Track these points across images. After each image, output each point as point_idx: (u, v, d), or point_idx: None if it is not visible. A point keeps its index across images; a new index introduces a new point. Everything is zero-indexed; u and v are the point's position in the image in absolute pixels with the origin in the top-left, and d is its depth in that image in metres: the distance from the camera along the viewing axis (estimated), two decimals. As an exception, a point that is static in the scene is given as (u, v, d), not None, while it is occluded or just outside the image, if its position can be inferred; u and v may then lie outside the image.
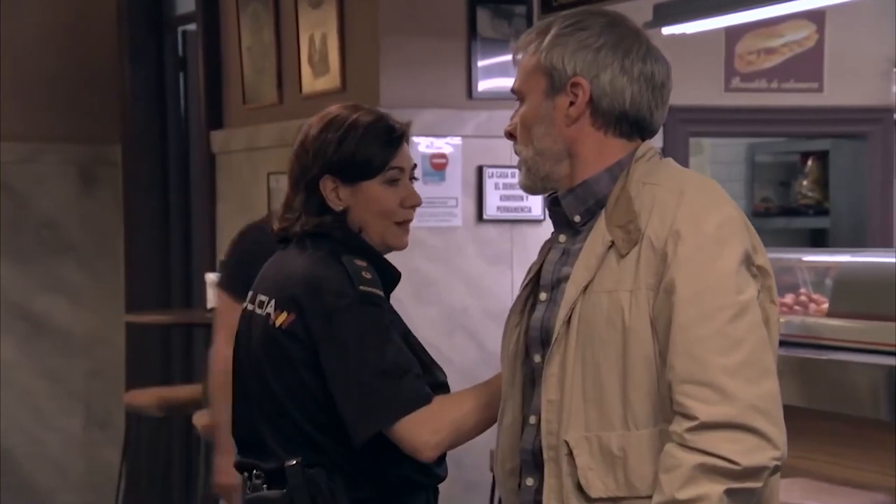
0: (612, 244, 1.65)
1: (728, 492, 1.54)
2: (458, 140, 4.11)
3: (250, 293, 2.01)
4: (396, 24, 4.05)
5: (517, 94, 1.75)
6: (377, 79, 4.04)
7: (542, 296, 1.73)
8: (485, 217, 4.12)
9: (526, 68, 1.72)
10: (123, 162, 5.54)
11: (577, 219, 1.72)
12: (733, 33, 4.50)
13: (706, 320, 1.57)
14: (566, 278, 1.69)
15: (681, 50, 4.67)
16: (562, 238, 1.74)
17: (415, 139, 4.07)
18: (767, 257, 1.69)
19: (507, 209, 4.14)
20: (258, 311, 1.96)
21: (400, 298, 4.09)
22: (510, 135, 1.76)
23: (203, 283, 4.61)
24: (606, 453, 1.62)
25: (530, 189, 1.77)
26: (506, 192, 4.13)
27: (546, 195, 1.78)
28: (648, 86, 1.71)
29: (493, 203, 4.11)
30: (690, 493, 1.54)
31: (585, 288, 1.65)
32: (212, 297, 4.36)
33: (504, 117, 4.37)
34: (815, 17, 4.57)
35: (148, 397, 4.60)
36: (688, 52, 4.57)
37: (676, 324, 1.58)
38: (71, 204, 5.56)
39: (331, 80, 4.24)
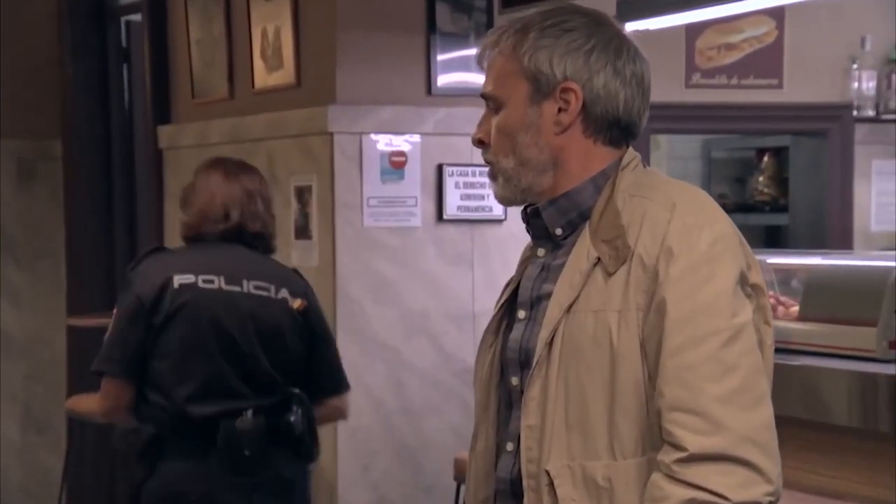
0: (599, 260, 1.56)
1: None
2: (416, 138, 4.01)
3: (221, 276, 2.83)
4: (353, 18, 3.94)
5: (491, 99, 1.64)
6: (333, 74, 3.93)
7: (521, 314, 1.63)
8: (445, 217, 4.02)
9: (503, 72, 1.62)
10: (64, 157, 5.37)
11: (558, 232, 1.63)
12: (693, 28, 4.45)
13: (698, 344, 1.49)
14: (547, 296, 1.60)
15: (641, 45, 4.63)
16: (540, 252, 1.64)
17: (373, 137, 3.98)
18: (762, 274, 1.61)
19: (467, 209, 4.05)
20: (262, 293, 2.85)
21: (358, 300, 4.05)
22: (480, 142, 1.65)
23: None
24: (591, 484, 1.53)
25: (508, 201, 1.65)
26: (466, 192, 4.03)
27: (524, 206, 1.69)
28: (639, 88, 1.63)
29: (454, 202, 4.02)
30: None
31: (569, 307, 1.55)
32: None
33: (464, 114, 4.35)
34: (775, 12, 4.54)
35: (92, 402, 4.43)
36: (648, 48, 4.51)
37: (667, 348, 1.50)
38: (9, 201, 5.37)
39: (285, 75, 4.12)
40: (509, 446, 1.62)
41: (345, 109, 3.92)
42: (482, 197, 4.05)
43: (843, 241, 4.55)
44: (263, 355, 2.79)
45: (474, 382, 1.70)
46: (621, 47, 1.61)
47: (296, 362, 2.86)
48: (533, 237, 1.66)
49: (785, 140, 4.93)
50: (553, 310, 1.56)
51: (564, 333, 1.55)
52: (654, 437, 1.52)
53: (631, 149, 1.65)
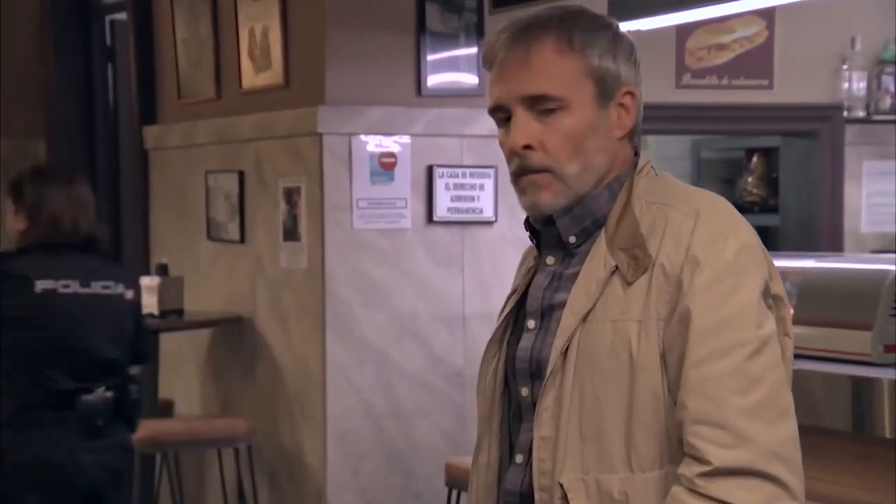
0: (616, 269, 1.51)
1: None
2: (406, 139, 3.97)
3: (76, 280, 3.22)
4: (342, 18, 3.90)
5: (551, 99, 1.53)
6: (322, 74, 3.89)
7: (530, 323, 1.58)
8: (435, 218, 3.99)
9: (564, 70, 1.53)
10: (48, 157, 5.31)
11: (571, 240, 1.57)
12: (684, 28, 4.43)
13: (723, 356, 1.45)
14: (560, 305, 1.55)
15: (631, 45, 4.61)
16: (550, 260, 1.59)
17: (362, 138, 3.95)
18: (782, 285, 1.58)
19: (457, 210, 4.01)
20: (108, 291, 3.26)
21: (347, 302, 4.01)
22: (527, 147, 1.54)
23: (134, 287, 4.43)
24: (606, 497, 1.48)
25: (558, 209, 1.56)
26: (456, 193, 4.00)
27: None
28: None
29: (444, 204, 3.99)
30: None
31: (585, 316, 1.51)
32: (148, 303, 4.19)
33: (455, 115, 4.30)
34: (765, 13, 4.52)
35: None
36: (639, 49, 4.49)
37: (691, 359, 1.46)
38: (-8, 201, 5.30)
39: (273, 76, 4.08)
40: (519, 458, 1.57)
41: (334, 110, 3.89)
42: (472, 198, 4.02)
43: (833, 242, 4.53)
44: (112, 343, 3.26)
45: (477, 393, 1.66)
46: (639, 61, 1.61)
47: (131, 344, 3.36)
48: (542, 245, 1.61)
49: (774, 140, 4.91)
50: (568, 318, 1.52)
51: (580, 343, 1.51)
52: (673, 450, 1.48)
53: (644, 154, 1.62)
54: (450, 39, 3.98)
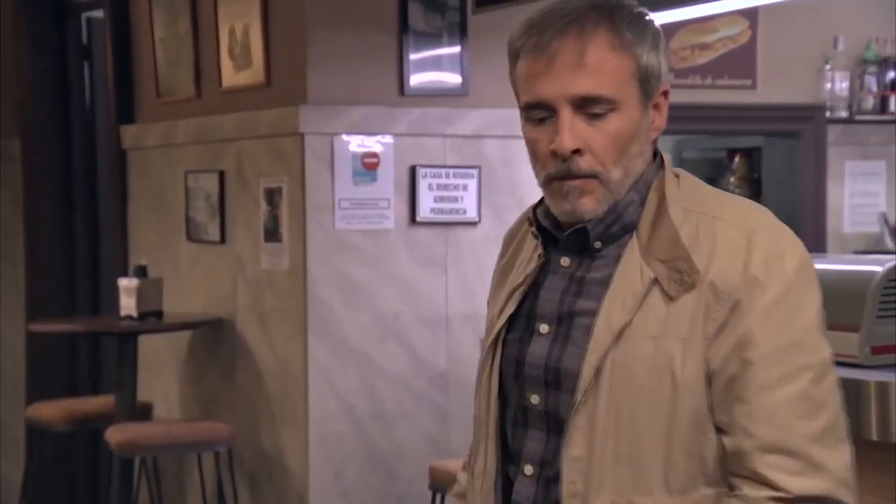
0: (655, 281, 1.44)
1: None
2: (389, 138, 3.93)
3: None
4: (324, 16, 3.86)
5: (605, 101, 1.43)
6: (304, 73, 3.85)
7: (543, 328, 1.50)
8: (418, 219, 3.95)
9: (616, 69, 1.43)
10: (23, 157, 5.23)
11: (597, 245, 1.50)
12: (668, 28, 4.40)
13: (790, 382, 1.40)
14: (582, 313, 1.47)
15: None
16: (565, 261, 1.51)
17: (344, 137, 3.90)
18: None
19: (441, 211, 3.98)
20: None
21: (329, 303, 3.97)
22: (576, 151, 1.44)
23: (112, 289, 4.38)
24: None
25: (592, 216, 1.47)
26: (439, 193, 3.96)
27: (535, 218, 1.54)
28: None
29: (427, 204, 3.95)
30: None
31: (621, 331, 1.43)
32: (126, 305, 4.14)
33: (438, 115, 4.27)
34: (748, 13, 4.51)
35: (54, 410, 4.35)
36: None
37: (755, 384, 1.40)
38: (-34, 202, 5.24)
39: (254, 75, 4.03)
40: (528, 470, 1.51)
41: (316, 109, 3.84)
42: (456, 199, 3.99)
43: (816, 243, 4.52)
44: None
45: (476, 396, 1.59)
46: None
47: None
48: (546, 244, 1.53)
49: (756, 141, 4.90)
50: (603, 333, 1.44)
51: (614, 359, 1.43)
52: (708, 472, 1.43)
53: (662, 151, 1.55)
54: (433, 38, 3.94)
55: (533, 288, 1.54)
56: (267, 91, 4.00)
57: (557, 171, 1.47)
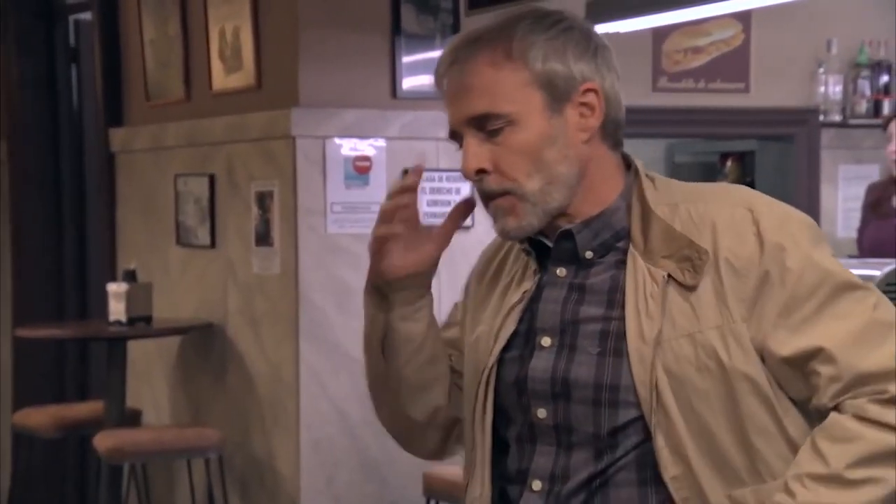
0: (670, 277, 1.42)
1: None
2: (381, 142, 3.90)
3: None
4: (316, 18, 3.83)
5: (496, 118, 1.44)
6: (295, 76, 3.82)
7: (545, 341, 1.47)
8: (411, 223, 3.91)
9: (506, 84, 1.44)
10: (10, 159, 5.19)
11: (588, 255, 1.48)
12: (660, 31, 4.40)
13: (850, 318, 1.39)
14: (588, 320, 1.45)
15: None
16: (561, 272, 1.49)
17: (337, 141, 3.87)
18: None
19: (434, 215, 3.94)
20: None
21: (322, 308, 3.93)
22: (481, 171, 1.45)
23: (101, 294, 4.34)
24: None
25: (527, 231, 1.46)
26: (433, 197, 3.94)
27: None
28: (621, 90, 1.52)
29: (420, 208, 3.91)
30: (863, 474, 1.35)
31: (657, 339, 1.41)
32: (116, 309, 4.10)
33: (431, 118, 4.23)
34: (742, 16, 4.50)
35: (42, 417, 4.31)
36: (615, 52, 4.45)
37: (817, 335, 1.39)
38: (-48, 205, 5.18)
39: (244, 77, 4.00)
40: (536, 485, 1.46)
41: (307, 112, 3.81)
42: (449, 203, 3.95)
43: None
44: None
45: (466, 420, 1.55)
46: (607, 45, 1.50)
47: None
48: (550, 260, 1.50)
49: (748, 144, 4.89)
50: (640, 348, 1.41)
51: (664, 369, 1.41)
52: (798, 445, 1.42)
53: (625, 153, 1.52)
54: (425, 41, 3.92)
55: (529, 304, 1.51)
56: (258, 94, 3.97)
57: (478, 193, 1.48)
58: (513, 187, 1.45)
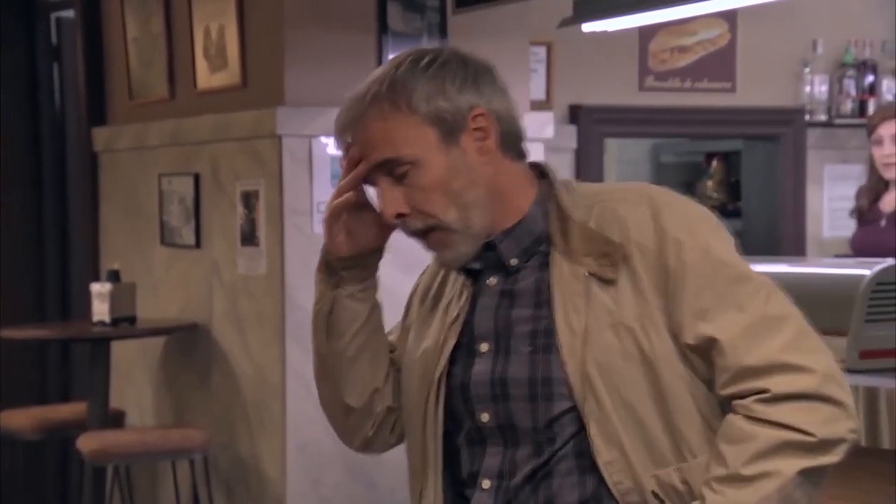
0: (590, 275, 1.52)
1: (803, 472, 1.44)
2: (368, 141, 3.88)
3: None
4: (302, 17, 3.81)
5: (397, 163, 1.52)
6: (281, 75, 3.79)
7: (483, 347, 1.56)
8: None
9: (397, 131, 1.52)
10: (-9, 160, 5.15)
11: (513, 262, 1.57)
12: (647, 30, 4.40)
13: (742, 311, 1.48)
14: (521, 321, 1.54)
15: (595, 47, 4.57)
16: (492, 281, 1.58)
17: (323, 140, 3.85)
18: None
19: (420, 214, 3.93)
20: None
21: (307, 308, 3.85)
22: (400, 216, 1.55)
23: (84, 294, 4.31)
24: (671, 490, 1.50)
25: (467, 256, 1.55)
26: (419, 196, 3.92)
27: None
28: (514, 102, 1.61)
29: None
30: (758, 469, 1.44)
31: (584, 334, 1.50)
32: (99, 310, 4.06)
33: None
34: (728, 15, 4.50)
35: (24, 418, 4.27)
36: (602, 50, 4.45)
37: (713, 328, 1.48)
38: (-68, 205, 5.13)
39: (229, 76, 3.97)
40: (485, 483, 1.54)
41: (293, 111, 3.79)
42: (436, 202, 3.95)
43: (796, 247, 4.52)
44: None
45: (417, 432, 1.61)
46: (488, 66, 1.58)
47: None
48: (479, 271, 1.58)
49: (733, 144, 4.90)
50: (570, 341, 1.51)
51: (592, 360, 1.50)
52: (715, 425, 1.50)
53: (539, 163, 1.62)
54: (412, 39, 3.90)
55: (468, 316, 1.59)
56: (243, 92, 3.94)
57: (408, 233, 1.58)
58: (435, 223, 1.54)
